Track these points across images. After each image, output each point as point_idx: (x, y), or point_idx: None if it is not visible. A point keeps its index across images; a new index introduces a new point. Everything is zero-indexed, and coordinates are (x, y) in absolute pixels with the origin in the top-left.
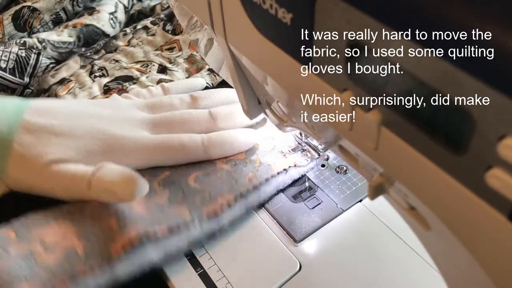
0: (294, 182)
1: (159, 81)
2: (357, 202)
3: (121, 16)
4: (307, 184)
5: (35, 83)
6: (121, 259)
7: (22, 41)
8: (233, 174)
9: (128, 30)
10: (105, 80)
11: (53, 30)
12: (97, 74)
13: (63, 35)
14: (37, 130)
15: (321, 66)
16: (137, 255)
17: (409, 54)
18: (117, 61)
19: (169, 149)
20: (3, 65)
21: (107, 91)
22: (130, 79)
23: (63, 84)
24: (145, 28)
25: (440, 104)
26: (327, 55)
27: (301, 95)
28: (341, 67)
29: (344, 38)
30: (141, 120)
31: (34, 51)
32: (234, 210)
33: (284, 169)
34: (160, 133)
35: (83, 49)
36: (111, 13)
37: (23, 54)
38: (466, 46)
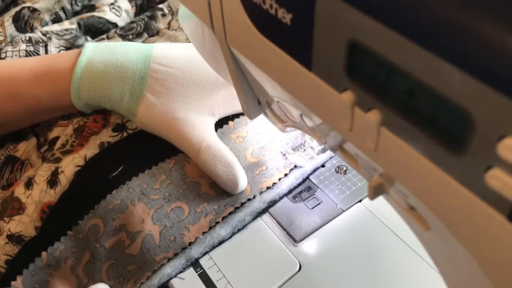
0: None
1: None
2: (357, 202)
3: (124, 5)
4: (307, 184)
5: None
6: (194, 243)
7: (27, 38)
8: (285, 146)
9: (165, 10)
10: None
11: (55, 24)
12: None
13: (64, 24)
14: (164, 79)
15: (321, 66)
16: (208, 238)
17: (408, 54)
18: None
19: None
20: None
21: None
22: None
23: None
24: None
25: (439, 104)
26: (326, 55)
27: (301, 95)
28: (341, 67)
29: (344, 38)
30: None
31: (41, 44)
32: (291, 178)
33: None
34: None
35: (88, 39)
36: (111, 4)
37: (31, 49)
38: (466, 46)
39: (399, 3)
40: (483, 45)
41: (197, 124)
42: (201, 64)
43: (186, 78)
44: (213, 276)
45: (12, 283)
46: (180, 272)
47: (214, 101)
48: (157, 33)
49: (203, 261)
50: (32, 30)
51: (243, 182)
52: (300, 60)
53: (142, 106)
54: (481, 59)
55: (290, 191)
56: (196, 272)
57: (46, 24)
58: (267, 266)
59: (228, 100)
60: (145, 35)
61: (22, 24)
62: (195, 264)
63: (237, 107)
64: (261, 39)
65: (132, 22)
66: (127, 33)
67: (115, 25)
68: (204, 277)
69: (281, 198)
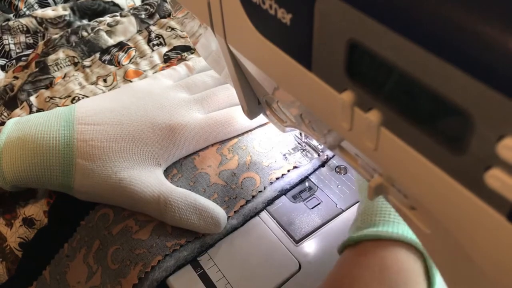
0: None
1: None
2: (357, 202)
3: None
4: (306, 184)
5: (81, 43)
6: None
7: (25, 28)
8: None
9: None
10: (164, 50)
11: (48, 7)
12: (155, 42)
13: (58, 10)
14: (93, 139)
15: (320, 66)
16: None
17: (408, 55)
18: (172, 29)
19: (223, 125)
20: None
21: (167, 60)
22: (188, 49)
23: (124, 50)
24: None
25: (439, 104)
26: (326, 55)
27: (301, 95)
28: (340, 67)
29: (344, 38)
30: (188, 102)
31: (39, 34)
32: (300, 170)
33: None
34: (209, 112)
35: (84, 22)
36: None
37: (31, 41)
38: (465, 46)
39: (398, 3)
40: (483, 45)
41: (146, 179)
42: (131, 113)
43: (118, 132)
44: (213, 276)
45: (44, 272)
46: (196, 256)
47: (155, 150)
48: (169, 15)
49: (203, 261)
50: (17, 11)
51: (223, 216)
52: (300, 60)
53: (77, 175)
54: (481, 59)
55: (301, 181)
56: (196, 272)
57: (32, 6)
58: (267, 266)
59: (171, 144)
60: (157, 16)
61: (6, 4)
62: (194, 264)
63: (182, 151)
64: (261, 39)
65: (146, 3)
66: (140, 13)
67: (112, 3)
68: (204, 277)
69: (292, 187)
